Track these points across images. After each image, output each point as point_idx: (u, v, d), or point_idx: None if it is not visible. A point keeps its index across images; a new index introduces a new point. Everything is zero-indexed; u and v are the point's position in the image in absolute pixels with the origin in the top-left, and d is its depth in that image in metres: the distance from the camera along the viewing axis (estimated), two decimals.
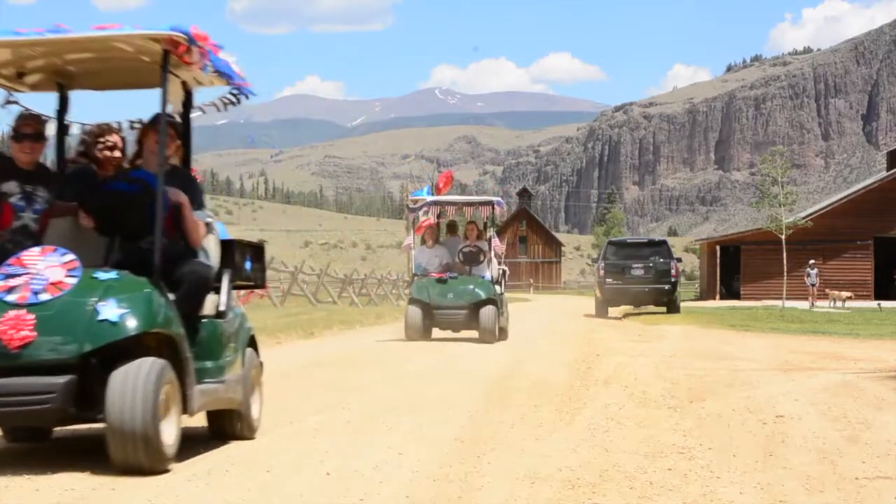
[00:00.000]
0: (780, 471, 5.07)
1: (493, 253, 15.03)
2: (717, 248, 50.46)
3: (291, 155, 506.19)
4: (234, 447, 5.53)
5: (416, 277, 14.92)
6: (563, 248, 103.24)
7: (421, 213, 15.60)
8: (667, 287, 26.18)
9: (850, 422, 6.68)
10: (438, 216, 16.08)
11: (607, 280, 26.41)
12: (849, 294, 37.63)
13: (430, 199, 15.83)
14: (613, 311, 28.24)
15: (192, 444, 5.62)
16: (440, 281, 14.27)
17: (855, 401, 7.75)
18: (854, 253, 46.77)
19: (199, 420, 5.89)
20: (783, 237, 34.95)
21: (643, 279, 26.29)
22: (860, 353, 12.79)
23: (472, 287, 14.15)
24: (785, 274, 35.78)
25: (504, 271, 15.59)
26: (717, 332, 18.17)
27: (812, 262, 37.97)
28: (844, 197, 50.22)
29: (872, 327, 20.18)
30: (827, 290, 38.04)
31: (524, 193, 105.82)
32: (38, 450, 5.61)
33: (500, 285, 14.98)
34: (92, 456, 5.26)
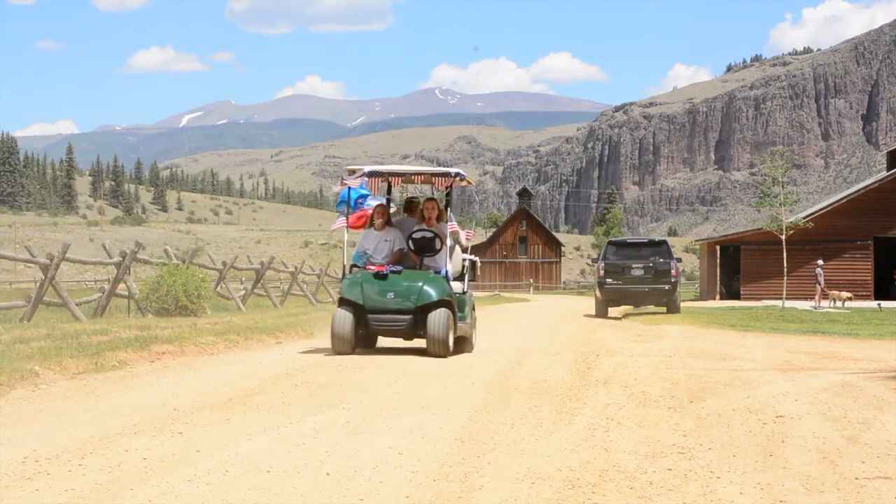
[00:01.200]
0: (780, 471, 5.07)
1: (452, 239, 11.99)
2: (717, 248, 50.46)
3: (291, 155, 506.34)
4: (235, 446, 5.53)
5: (354, 270, 11.79)
6: (563, 248, 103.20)
7: (358, 186, 12.44)
8: (667, 287, 26.15)
9: (850, 422, 6.68)
10: (388, 193, 13.00)
11: (607, 280, 26.39)
12: (849, 294, 37.65)
13: (367, 168, 12.02)
14: (613, 311, 28.21)
15: (190, 444, 5.63)
16: (379, 276, 11.17)
17: (855, 401, 7.74)
18: (854, 253, 46.78)
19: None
20: (783, 237, 34.96)
21: (643, 279, 26.26)
22: (860, 353, 12.77)
23: (419, 284, 11.06)
24: (785, 274, 35.80)
25: (473, 263, 12.55)
26: (717, 333, 18.16)
27: (820, 262, 38.00)
28: (844, 197, 50.19)
29: (872, 327, 20.15)
30: (828, 291, 38.05)
31: (524, 193, 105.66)
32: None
33: (464, 282, 12.10)
34: (91, 457, 5.27)
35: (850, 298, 37.27)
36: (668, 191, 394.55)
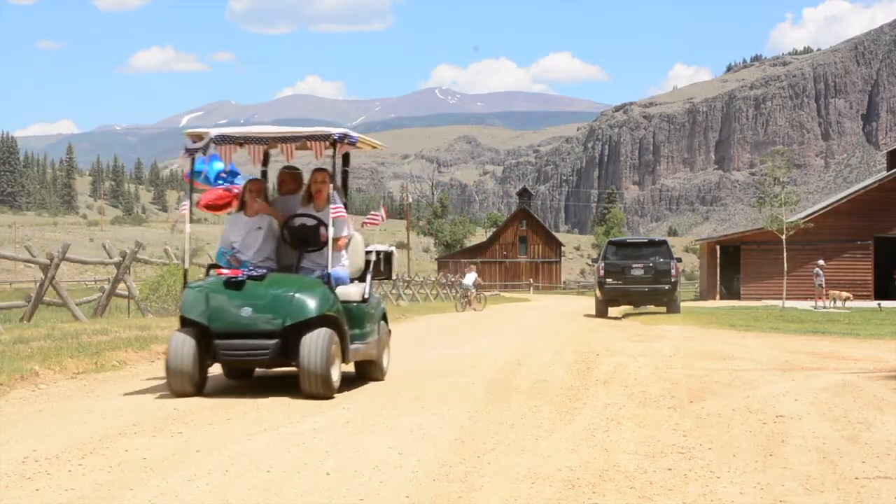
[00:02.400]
0: (780, 471, 5.07)
1: (343, 227, 8.56)
2: (717, 248, 50.48)
3: None
4: (235, 446, 5.53)
5: (209, 273, 8.59)
6: (563, 248, 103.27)
7: (204, 157, 8.83)
8: (667, 287, 26.15)
9: (850, 422, 6.68)
10: (263, 164, 9.28)
11: (607, 280, 26.39)
12: (848, 295, 37.63)
13: (214, 132, 8.48)
14: (613, 311, 28.22)
15: (190, 444, 5.63)
16: (231, 284, 7.98)
17: (855, 401, 7.74)
18: (854, 253, 46.80)
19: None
20: (783, 237, 34.97)
21: (643, 279, 26.27)
22: (860, 353, 12.78)
23: (290, 294, 7.89)
24: (785, 274, 35.81)
25: (388, 256, 9.52)
26: (717, 333, 18.16)
27: (821, 262, 37.99)
28: (844, 197, 50.22)
29: (872, 327, 20.16)
30: (828, 291, 38.06)
31: (524, 193, 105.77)
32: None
33: (367, 286, 8.83)
34: (91, 457, 5.27)
35: (849, 298, 37.26)
36: (668, 191, 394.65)
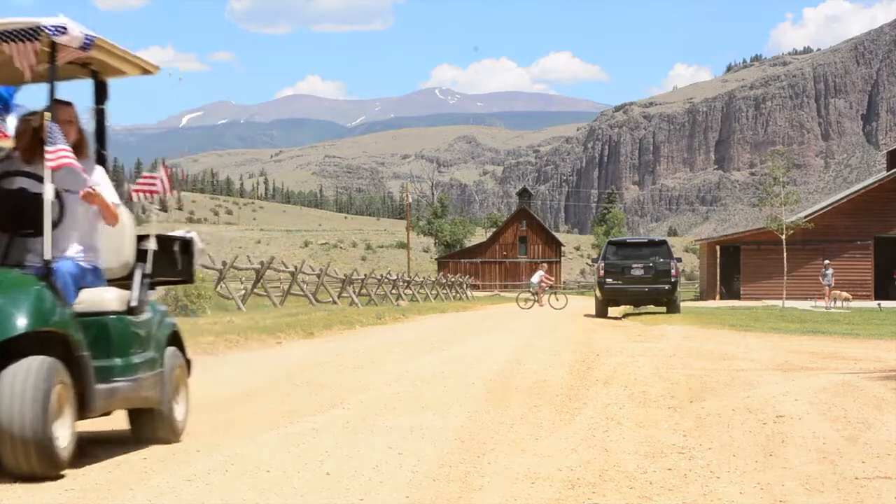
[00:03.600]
0: (780, 471, 5.07)
1: (79, 181, 5.20)
2: (717, 248, 50.51)
3: (291, 155, 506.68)
4: (235, 446, 5.52)
5: None
6: (563, 248, 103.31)
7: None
8: (667, 287, 26.14)
9: (850, 422, 6.67)
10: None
11: (607, 280, 26.38)
12: (848, 295, 37.63)
13: None
14: (613, 311, 28.22)
15: (190, 444, 5.62)
16: None
17: (855, 401, 7.73)
18: (854, 253, 46.82)
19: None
20: (783, 237, 34.99)
21: (643, 279, 26.26)
22: (860, 353, 12.76)
23: None
24: (785, 274, 35.83)
25: (184, 244, 6.28)
26: (717, 332, 18.14)
27: (827, 262, 37.97)
28: (844, 197, 50.27)
29: (872, 327, 20.14)
30: (829, 291, 38.07)
31: (524, 193, 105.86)
32: None
33: (135, 290, 5.50)
34: (91, 455, 5.27)
35: (849, 299, 37.28)
36: (668, 191, 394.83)
